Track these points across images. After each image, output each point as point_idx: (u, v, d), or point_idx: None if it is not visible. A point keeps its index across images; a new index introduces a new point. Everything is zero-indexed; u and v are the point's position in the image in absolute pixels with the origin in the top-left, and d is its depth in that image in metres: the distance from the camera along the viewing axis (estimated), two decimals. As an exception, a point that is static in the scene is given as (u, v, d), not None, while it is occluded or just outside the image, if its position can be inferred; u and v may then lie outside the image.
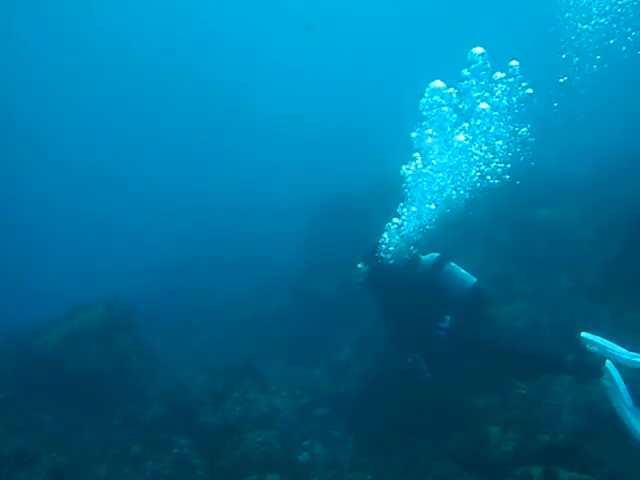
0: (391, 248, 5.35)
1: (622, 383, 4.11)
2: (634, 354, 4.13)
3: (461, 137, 5.55)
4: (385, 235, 5.48)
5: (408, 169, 5.70)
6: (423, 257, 5.21)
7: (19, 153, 34.15)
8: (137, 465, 5.70)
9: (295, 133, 32.19)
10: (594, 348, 4.29)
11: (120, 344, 7.83)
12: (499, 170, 5.88)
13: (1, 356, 8.11)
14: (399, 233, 5.44)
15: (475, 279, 4.98)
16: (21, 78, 33.64)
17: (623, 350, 4.20)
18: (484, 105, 5.62)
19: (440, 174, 5.61)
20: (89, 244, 27.05)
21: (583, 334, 4.42)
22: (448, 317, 4.80)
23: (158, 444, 5.96)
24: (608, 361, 4.18)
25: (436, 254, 5.17)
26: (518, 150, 6.00)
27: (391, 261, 5.26)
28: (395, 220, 5.58)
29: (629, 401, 4.05)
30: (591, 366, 4.23)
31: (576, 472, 3.91)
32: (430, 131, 5.61)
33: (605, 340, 4.32)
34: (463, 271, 5.05)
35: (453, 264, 5.08)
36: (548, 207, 10.37)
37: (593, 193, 11.09)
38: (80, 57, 33.80)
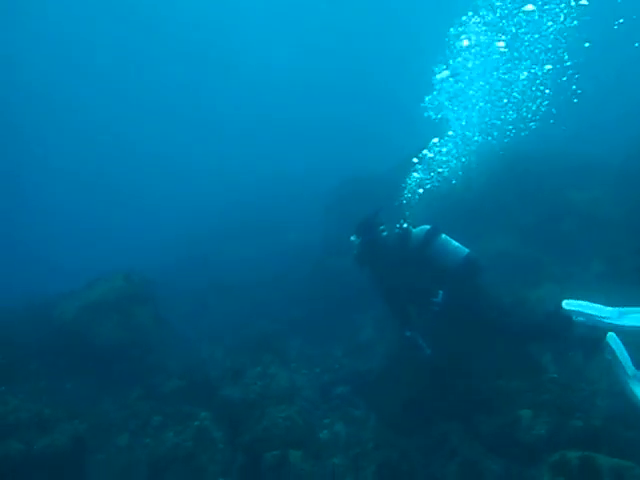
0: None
1: (624, 353, 4.12)
2: (618, 313, 4.22)
3: (501, 44, 5.38)
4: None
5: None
6: (414, 230, 5.07)
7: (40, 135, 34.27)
8: (158, 436, 5.65)
9: (314, 118, 31.96)
10: (580, 319, 4.34)
11: (139, 316, 7.78)
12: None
13: (21, 324, 8.09)
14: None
15: (467, 250, 4.87)
16: (21, 74, 33.56)
17: (607, 312, 4.25)
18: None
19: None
20: (106, 218, 27.21)
21: (565, 304, 4.44)
22: (441, 292, 4.72)
23: (179, 416, 5.89)
24: (609, 334, 4.19)
25: (427, 227, 5.04)
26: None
27: (384, 234, 5.15)
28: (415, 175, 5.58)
29: (630, 369, 4.07)
30: (593, 343, 4.29)
31: (617, 458, 3.75)
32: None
33: (588, 305, 4.37)
34: (455, 243, 4.94)
35: (445, 236, 4.96)
36: (578, 189, 10.08)
37: (622, 174, 10.78)
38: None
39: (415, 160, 5.59)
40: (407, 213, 5.48)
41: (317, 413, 6.34)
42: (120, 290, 7.84)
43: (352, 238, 5.27)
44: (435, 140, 5.74)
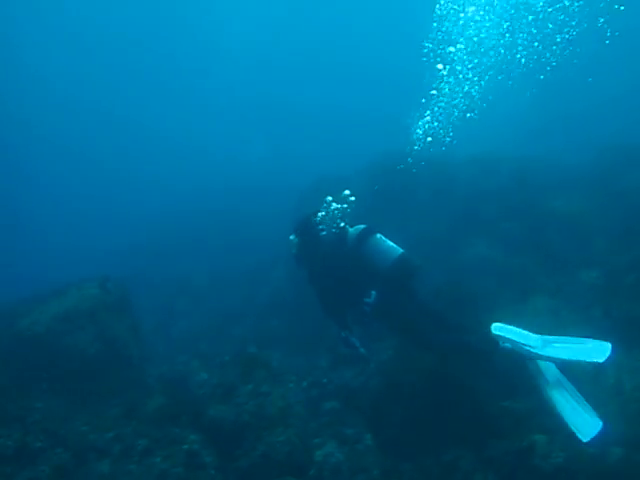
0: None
1: (517, 332, 4.31)
2: (542, 342, 4.27)
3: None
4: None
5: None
6: (350, 229, 5.05)
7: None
8: (143, 462, 5.21)
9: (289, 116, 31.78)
10: (507, 345, 4.35)
11: (116, 328, 7.26)
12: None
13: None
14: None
15: (401, 250, 4.82)
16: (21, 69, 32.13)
17: (533, 341, 4.27)
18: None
19: None
20: (64, 226, 26.21)
21: (494, 328, 4.42)
22: (374, 292, 4.66)
23: (166, 439, 5.46)
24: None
25: (362, 226, 5.01)
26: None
27: (323, 233, 5.13)
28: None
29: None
30: (486, 342, 4.41)
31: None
32: None
33: (515, 331, 4.37)
34: (390, 243, 4.89)
35: (379, 236, 4.92)
36: (561, 198, 10.16)
37: (604, 183, 10.95)
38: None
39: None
40: (346, 211, 5.36)
41: (307, 431, 6.02)
42: (95, 299, 7.30)
43: (291, 237, 5.26)
44: None
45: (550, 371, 4.28)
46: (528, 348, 4.24)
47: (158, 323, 12.56)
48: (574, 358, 4.15)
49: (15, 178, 30.88)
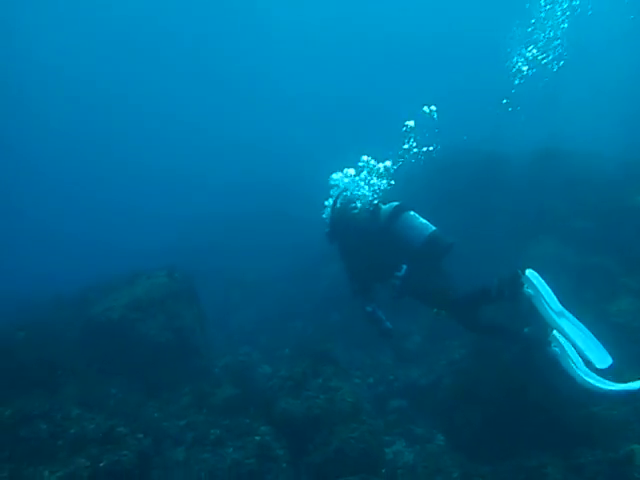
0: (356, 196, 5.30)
1: (546, 288, 4.26)
2: (563, 311, 4.23)
3: None
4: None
5: None
6: (383, 206, 5.05)
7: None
8: (216, 451, 5.22)
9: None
10: (529, 291, 4.32)
11: (184, 316, 7.34)
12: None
13: (56, 323, 7.67)
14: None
15: (434, 228, 4.80)
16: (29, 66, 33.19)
17: (553, 304, 4.24)
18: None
19: None
20: (115, 223, 27.00)
21: (528, 272, 4.40)
22: (405, 266, 4.68)
23: (237, 430, 5.47)
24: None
25: (395, 202, 5.01)
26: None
27: (355, 211, 5.14)
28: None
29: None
30: (511, 280, 4.37)
31: None
32: None
33: (545, 287, 4.31)
34: (422, 220, 4.88)
35: (412, 213, 4.90)
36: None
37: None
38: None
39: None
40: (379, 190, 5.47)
41: (376, 429, 5.89)
42: (164, 288, 7.41)
43: (324, 215, 5.34)
44: None
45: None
46: (546, 306, 4.23)
47: (216, 315, 12.68)
48: (580, 345, 4.11)
49: (66, 173, 32.10)
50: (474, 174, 13.08)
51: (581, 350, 4.12)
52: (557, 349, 4.19)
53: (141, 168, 33.88)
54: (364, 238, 4.95)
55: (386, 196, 5.30)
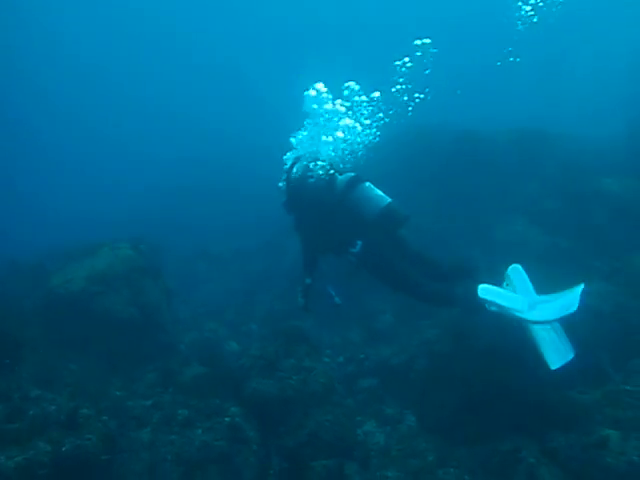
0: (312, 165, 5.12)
1: (501, 295, 4.25)
2: (528, 305, 4.24)
3: None
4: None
5: None
6: (339, 177, 4.91)
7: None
8: (184, 433, 5.02)
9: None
10: (493, 308, 4.30)
11: (150, 291, 7.01)
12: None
13: (12, 292, 7.21)
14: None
15: (389, 200, 4.72)
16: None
17: (519, 304, 4.24)
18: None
19: None
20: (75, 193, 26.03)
21: (480, 290, 4.33)
22: (360, 242, 4.60)
23: (206, 410, 5.27)
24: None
25: (351, 174, 4.90)
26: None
27: (311, 180, 4.98)
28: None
29: (518, 303, 4.22)
30: (472, 303, 4.33)
31: None
32: None
33: (501, 293, 4.33)
34: (378, 192, 4.79)
35: (368, 184, 4.81)
36: (611, 176, 9.62)
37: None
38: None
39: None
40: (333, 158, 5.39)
41: (350, 412, 5.80)
42: (129, 261, 7.03)
43: (279, 184, 5.19)
44: None
45: (516, 300, 4.28)
46: (515, 312, 4.22)
47: (180, 289, 12.33)
48: (558, 316, 4.15)
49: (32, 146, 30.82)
50: (446, 153, 13.01)
51: (559, 317, 4.21)
52: (493, 308, 4.26)
53: (96, 137, 32.72)
54: (319, 208, 4.85)
55: (343, 167, 5.23)
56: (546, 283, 6.91)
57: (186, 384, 5.83)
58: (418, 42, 5.80)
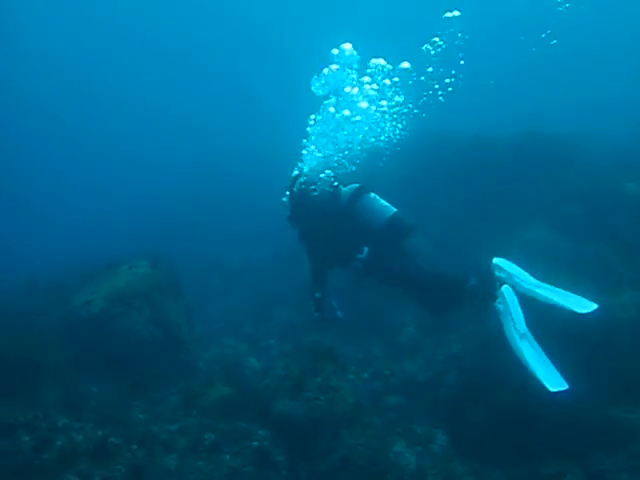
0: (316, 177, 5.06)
1: (517, 308, 4.01)
2: (539, 284, 4.06)
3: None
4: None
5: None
6: (344, 189, 4.90)
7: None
8: (212, 458, 4.87)
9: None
10: (501, 274, 4.21)
11: (170, 309, 6.90)
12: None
13: (33, 314, 7.11)
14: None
15: (394, 210, 4.69)
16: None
17: (530, 279, 4.12)
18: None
19: None
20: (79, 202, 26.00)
21: (495, 260, 4.29)
22: (366, 248, 4.57)
23: (233, 434, 5.12)
24: (505, 286, 4.11)
25: (356, 185, 4.86)
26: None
27: (314, 193, 4.96)
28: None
29: (521, 326, 3.96)
30: (487, 289, 4.17)
31: None
32: None
33: (516, 267, 4.22)
34: (383, 202, 4.76)
35: (373, 195, 4.78)
36: (635, 180, 9.39)
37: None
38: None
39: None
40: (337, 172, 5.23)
41: (381, 433, 5.62)
42: (148, 279, 6.93)
43: (283, 199, 5.17)
44: None
45: (520, 323, 4.01)
46: (512, 327, 4.00)
47: (196, 303, 12.23)
48: (563, 303, 3.91)
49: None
50: (457, 159, 12.85)
51: (568, 307, 3.93)
52: (501, 306, 4.07)
53: (106, 147, 32.75)
54: (324, 221, 4.83)
55: (346, 178, 5.12)
56: (572, 290, 6.70)
57: (211, 406, 5.68)
58: (449, 14, 5.56)
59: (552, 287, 4.06)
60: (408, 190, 11.93)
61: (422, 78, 5.69)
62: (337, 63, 5.30)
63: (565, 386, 3.77)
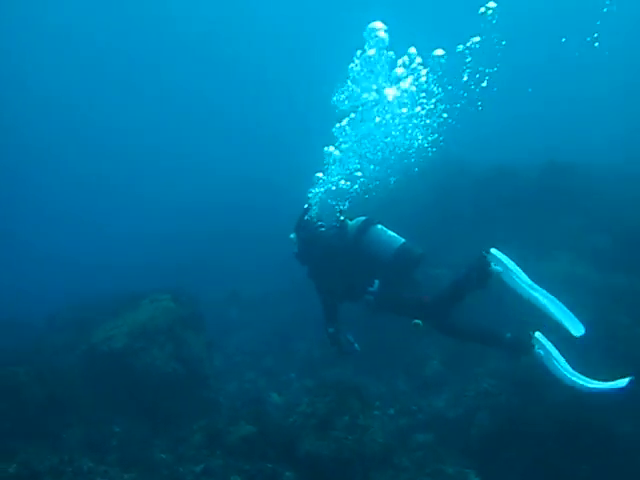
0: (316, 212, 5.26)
1: (512, 264, 4.19)
2: (534, 285, 4.14)
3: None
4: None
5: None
6: (350, 222, 4.93)
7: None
8: (238, 503, 4.70)
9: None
10: (498, 268, 4.23)
11: (192, 344, 6.79)
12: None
13: (54, 351, 7.06)
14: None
15: (403, 240, 4.71)
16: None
17: (526, 279, 4.17)
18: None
19: None
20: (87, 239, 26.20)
21: (493, 251, 4.33)
22: (377, 281, 4.58)
23: (260, 476, 4.94)
24: (537, 333, 4.17)
25: (362, 217, 4.90)
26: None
27: (322, 229, 5.07)
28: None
29: (525, 278, 4.13)
30: (524, 339, 4.20)
31: None
32: None
33: (513, 263, 4.24)
34: (391, 233, 4.79)
35: (380, 226, 4.82)
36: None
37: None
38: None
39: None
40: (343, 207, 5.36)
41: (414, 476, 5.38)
42: (170, 313, 6.86)
43: (291, 236, 5.21)
44: None
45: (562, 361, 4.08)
46: (518, 280, 4.15)
47: (213, 334, 12.12)
48: (557, 317, 4.04)
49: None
50: (480, 188, 12.79)
51: (558, 320, 4.07)
52: (541, 351, 4.10)
53: (117, 183, 33.13)
54: (333, 256, 4.83)
55: (352, 212, 5.19)
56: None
57: (235, 446, 5.50)
58: (482, 10, 5.54)
59: (546, 293, 4.14)
60: (429, 219, 11.89)
61: (450, 87, 5.63)
62: (373, 47, 5.25)
63: (583, 329, 3.96)
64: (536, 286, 4.16)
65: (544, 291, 4.16)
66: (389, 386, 7.91)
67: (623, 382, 3.82)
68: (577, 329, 4.01)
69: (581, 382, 3.92)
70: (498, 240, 10.91)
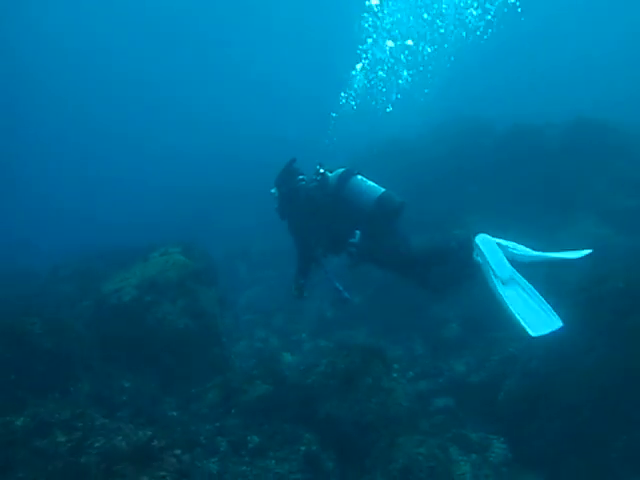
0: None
1: (495, 254, 4.03)
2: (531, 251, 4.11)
3: None
4: None
5: None
6: (330, 174, 4.86)
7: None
8: (256, 463, 4.47)
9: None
10: (478, 259, 4.13)
11: (204, 300, 6.49)
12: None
13: (62, 300, 6.78)
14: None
15: (383, 189, 4.63)
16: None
17: (503, 273, 3.97)
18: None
19: None
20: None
21: (477, 238, 4.22)
22: (358, 232, 4.52)
23: (278, 437, 4.71)
24: (478, 236, 4.19)
25: (341, 169, 4.83)
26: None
27: (302, 183, 4.99)
28: None
29: (502, 272, 3.94)
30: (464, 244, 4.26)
31: None
32: None
33: (496, 252, 4.08)
34: (370, 183, 4.72)
35: (360, 177, 4.74)
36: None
37: None
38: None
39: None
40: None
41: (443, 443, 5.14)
42: (182, 267, 6.53)
43: (272, 191, 5.14)
44: None
45: (501, 268, 3.99)
46: (492, 275, 3.96)
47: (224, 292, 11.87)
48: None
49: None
50: (502, 146, 12.31)
51: (565, 258, 4.07)
52: (479, 258, 4.10)
53: (125, 141, 32.84)
54: (315, 208, 4.80)
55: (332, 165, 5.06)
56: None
57: (251, 405, 5.29)
58: None
59: (527, 285, 3.97)
60: (447, 180, 11.47)
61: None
62: None
63: (558, 324, 3.70)
64: (516, 276, 4.01)
65: (524, 282, 4.01)
66: (406, 349, 7.67)
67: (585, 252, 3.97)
68: (581, 254, 4.03)
69: (537, 254, 4.04)
70: (517, 202, 10.60)
